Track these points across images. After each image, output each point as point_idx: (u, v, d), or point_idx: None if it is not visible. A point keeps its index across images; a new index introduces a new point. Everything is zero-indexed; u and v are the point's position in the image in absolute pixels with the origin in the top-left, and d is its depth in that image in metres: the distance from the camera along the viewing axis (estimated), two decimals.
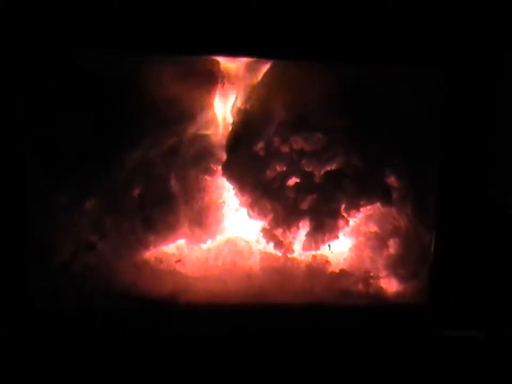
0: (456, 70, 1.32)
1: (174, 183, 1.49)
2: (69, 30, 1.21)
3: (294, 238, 1.52)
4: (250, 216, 1.53)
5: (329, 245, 1.53)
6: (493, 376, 1.37)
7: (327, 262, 1.51)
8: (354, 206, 1.52)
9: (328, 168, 1.51)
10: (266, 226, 1.52)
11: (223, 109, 1.50)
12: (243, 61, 1.43)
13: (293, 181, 1.51)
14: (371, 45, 1.29)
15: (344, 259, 1.54)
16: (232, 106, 1.49)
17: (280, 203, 1.50)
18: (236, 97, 1.48)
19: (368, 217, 1.54)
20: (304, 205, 1.51)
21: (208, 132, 1.50)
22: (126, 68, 1.34)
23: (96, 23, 1.21)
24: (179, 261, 1.50)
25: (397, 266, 1.51)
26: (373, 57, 1.31)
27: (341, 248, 1.55)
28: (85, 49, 1.25)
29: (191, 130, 1.48)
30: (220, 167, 1.51)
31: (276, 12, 1.26)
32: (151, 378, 1.34)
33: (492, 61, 1.31)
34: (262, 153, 1.50)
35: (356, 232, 1.55)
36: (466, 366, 1.39)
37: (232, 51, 1.32)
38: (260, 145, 1.49)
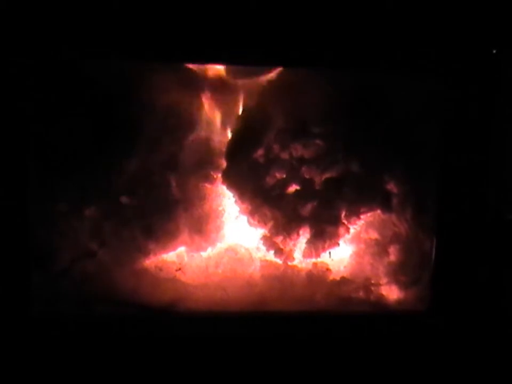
0: (456, 75, 1.33)
1: (174, 191, 1.49)
2: (71, 36, 1.23)
3: (294, 245, 1.52)
4: (250, 224, 1.53)
5: (329, 252, 1.53)
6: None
7: (328, 269, 1.51)
8: (354, 213, 1.52)
9: (328, 175, 1.51)
10: (267, 233, 1.52)
11: (223, 116, 1.51)
12: (244, 68, 1.44)
13: (293, 188, 1.51)
14: (371, 51, 1.30)
15: (344, 266, 1.54)
16: (232, 114, 1.50)
17: (280, 210, 1.51)
18: (236, 105, 1.49)
19: (369, 224, 1.54)
20: (304, 212, 1.51)
21: (207, 139, 1.51)
22: (127, 75, 1.36)
23: (99, 30, 1.23)
24: (179, 269, 1.50)
25: (397, 273, 1.51)
26: (373, 64, 1.32)
27: (342, 255, 1.56)
28: (87, 55, 1.26)
29: (191, 137, 1.49)
30: (219, 175, 1.51)
31: (276, 20, 1.27)
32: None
33: (492, 66, 1.32)
34: (261, 160, 1.51)
35: (356, 239, 1.55)
36: (468, 372, 1.38)
37: (233, 59, 1.33)
38: (260, 152, 1.50)
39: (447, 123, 1.37)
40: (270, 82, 1.46)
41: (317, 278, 1.50)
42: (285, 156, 1.50)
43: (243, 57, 1.32)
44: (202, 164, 1.50)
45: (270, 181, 1.51)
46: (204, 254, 1.53)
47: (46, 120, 1.35)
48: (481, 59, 1.32)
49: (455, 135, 1.37)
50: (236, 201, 1.53)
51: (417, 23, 1.28)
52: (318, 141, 1.49)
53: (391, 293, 1.50)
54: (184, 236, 1.51)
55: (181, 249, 1.53)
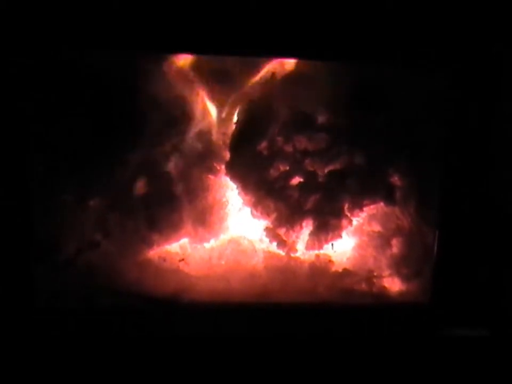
0: (460, 70, 1.33)
1: (177, 182, 1.50)
2: (71, 35, 1.23)
3: (297, 237, 1.52)
4: (253, 216, 1.54)
5: (332, 244, 1.53)
6: (495, 375, 1.37)
7: (330, 261, 1.52)
8: (357, 205, 1.52)
9: (332, 168, 1.51)
10: (270, 225, 1.53)
11: (226, 108, 1.50)
12: (248, 60, 1.44)
13: (296, 180, 1.52)
14: (375, 44, 1.30)
15: (347, 258, 1.55)
16: (236, 106, 1.50)
17: (283, 202, 1.51)
18: (240, 97, 1.49)
19: (372, 217, 1.54)
20: (308, 205, 1.51)
21: (211, 131, 1.51)
22: (130, 67, 1.36)
23: (100, 25, 1.23)
24: (182, 259, 1.51)
25: (400, 266, 1.51)
26: (373, 63, 1.33)
27: (344, 247, 1.56)
28: (88, 53, 1.26)
29: (195, 129, 1.49)
30: (223, 166, 1.51)
31: (282, 11, 1.27)
32: (153, 377, 1.34)
33: (492, 65, 1.32)
34: (265, 152, 1.51)
35: (359, 231, 1.55)
36: (469, 365, 1.39)
37: (238, 50, 1.32)
38: (264, 144, 1.50)
39: (448, 122, 1.38)
40: (274, 74, 1.45)
41: (319, 270, 1.50)
42: (288, 148, 1.50)
43: (247, 49, 1.31)
44: (206, 155, 1.51)
45: (273, 173, 1.51)
46: (207, 246, 1.54)
47: (49, 114, 1.34)
48: (481, 59, 1.32)
49: (456, 133, 1.38)
50: (239, 193, 1.53)
51: (417, 23, 1.28)
52: (321, 134, 1.49)
53: (393, 285, 1.51)
54: (188, 227, 1.52)
55: (184, 240, 1.54)
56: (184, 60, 1.41)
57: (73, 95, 1.36)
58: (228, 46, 1.30)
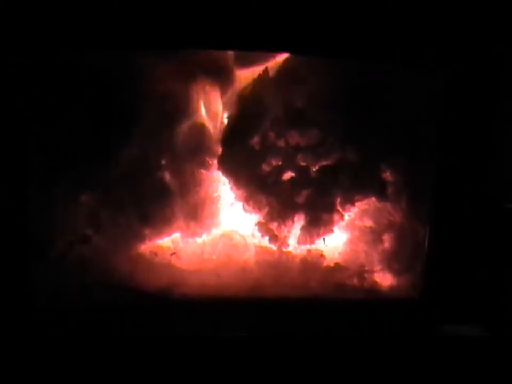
0: (460, 70, 1.32)
1: (169, 177, 1.48)
2: (71, 35, 1.20)
3: (289, 232, 1.52)
4: (245, 210, 1.53)
5: (324, 239, 1.53)
6: (484, 371, 1.40)
7: (322, 256, 1.52)
8: (349, 200, 1.52)
9: (324, 163, 1.50)
10: (262, 220, 1.52)
11: (219, 103, 1.48)
12: (240, 55, 1.41)
13: (288, 175, 1.51)
14: (375, 44, 1.28)
15: (339, 253, 1.55)
16: (229, 100, 1.47)
17: (275, 197, 1.50)
18: (232, 92, 1.46)
19: (363, 212, 1.54)
20: (300, 199, 1.51)
21: (203, 126, 1.48)
22: (122, 63, 1.32)
23: (99, 25, 1.20)
24: (174, 253, 1.50)
25: (391, 261, 1.52)
26: (377, 57, 1.30)
27: (336, 242, 1.56)
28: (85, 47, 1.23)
29: (187, 124, 1.46)
30: (215, 161, 1.49)
31: (284, 7, 1.24)
32: (150, 374, 1.35)
33: (494, 61, 1.31)
34: (257, 147, 1.49)
35: (350, 226, 1.55)
36: (460, 360, 1.41)
37: (232, 45, 1.31)
38: (256, 139, 1.48)
39: (445, 114, 1.37)
40: (267, 69, 1.43)
41: (311, 264, 1.51)
42: (281, 143, 1.49)
43: (246, 43, 1.29)
44: (198, 150, 1.48)
45: (265, 168, 1.50)
46: (199, 240, 1.53)
47: (49, 113, 1.32)
48: (481, 59, 1.31)
49: (452, 125, 1.38)
50: (231, 188, 1.52)
51: (417, 23, 1.26)
52: (314, 129, 1.47)
53: (385, 280, 1.52)
54: (180, 221, 1.51)
55: (176, 235, 1.53)
56: (178, 56, 1.36)
57: (73, 95, 1.33)
58: (223, 41, 1.28)
